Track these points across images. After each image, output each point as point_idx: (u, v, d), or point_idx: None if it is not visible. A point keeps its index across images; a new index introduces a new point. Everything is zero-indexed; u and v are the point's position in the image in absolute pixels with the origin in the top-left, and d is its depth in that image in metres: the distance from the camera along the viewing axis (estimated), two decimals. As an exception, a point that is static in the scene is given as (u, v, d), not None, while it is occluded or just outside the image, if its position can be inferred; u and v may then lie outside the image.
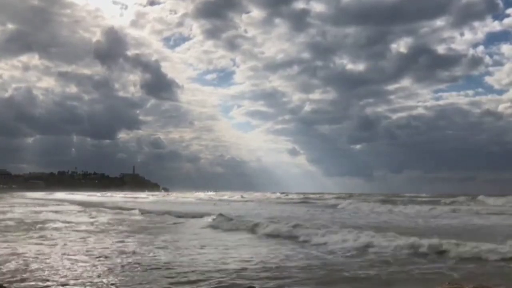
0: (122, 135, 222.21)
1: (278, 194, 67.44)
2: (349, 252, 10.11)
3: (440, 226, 16.90)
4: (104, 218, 20.48)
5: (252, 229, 14.36)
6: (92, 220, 19.21)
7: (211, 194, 74.43)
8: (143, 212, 25.48)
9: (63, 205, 35.74)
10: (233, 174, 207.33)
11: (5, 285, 6.55)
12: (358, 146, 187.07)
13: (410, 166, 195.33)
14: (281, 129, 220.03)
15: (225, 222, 16.07)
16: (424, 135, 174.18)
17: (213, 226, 16.08)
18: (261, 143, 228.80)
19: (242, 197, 56.03)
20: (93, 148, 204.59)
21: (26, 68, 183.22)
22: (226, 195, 64.58)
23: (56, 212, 25.21)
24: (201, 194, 73.94)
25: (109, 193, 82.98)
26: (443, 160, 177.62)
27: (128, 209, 28.25)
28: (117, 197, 62.18)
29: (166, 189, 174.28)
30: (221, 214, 17.93)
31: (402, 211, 27.09)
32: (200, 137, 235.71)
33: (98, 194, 77.81)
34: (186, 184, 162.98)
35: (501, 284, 6.75)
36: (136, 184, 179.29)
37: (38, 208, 28.94)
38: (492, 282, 6.69)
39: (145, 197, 60.46)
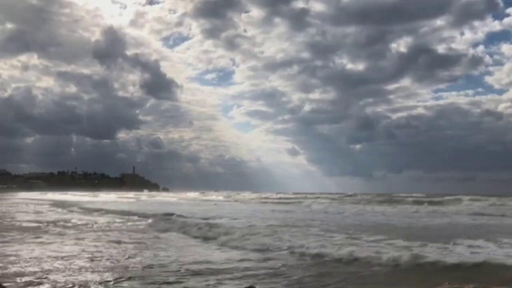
0: (122, 135, 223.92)
1: (269, 194, 67.66)
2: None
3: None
4: (53, 217, 20.91)
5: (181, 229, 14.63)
6: (40, 218, 19.61)
7: (196, 194, 74.82)
8: (107, 212, 25.81)
9: (38, 204, 36.11)
10: (232, 174, 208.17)
11: (4, 284, 6.60)
12: (358, 146, 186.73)
13: (410, 166, 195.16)
14: (280, 129, 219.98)
15: (161, 222, 16.35)
16: (424, 135, 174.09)
17: (151, 226, 16.45)
18: (261, 143, 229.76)
19: (226, 197, 56.46)
20: (93, 148, 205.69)
21: (25, 67, 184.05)
22: (214, 195, 65.05)
23: (18, 212, 25.56)
24: (191, 194, 74.54)
25: (102, 193, 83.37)
26: (443, 160, 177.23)
27: (93, 209, 28.50)
28: (105, 197, 62.58)
29: (166, 189, 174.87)
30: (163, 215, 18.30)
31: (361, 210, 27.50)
32: (200, 137, 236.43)
33: (90, 194, 78.23)
34: (186, 184, 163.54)
35: (501, 285, 6.80)
36: (136, 184, 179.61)
37: (6, 208, 29.42)
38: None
39: (133, 197, 60.71)
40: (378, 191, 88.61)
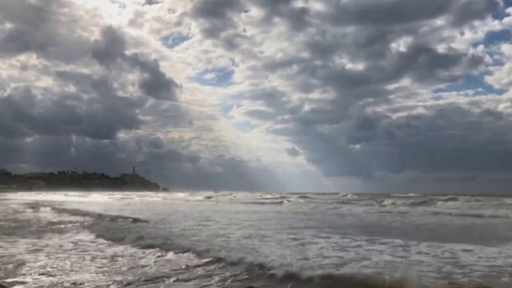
0: (122, 135, 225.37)
1: (259, 194, 67.83)
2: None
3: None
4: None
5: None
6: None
7: (184, 195, 74.98)
8: (72, 212, 25.92)
9: (20, 205, 36.44)
10: (232, 174, 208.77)
11: (4, 284, 6.60)
12: (357, 146, 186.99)
13: (410, 166, 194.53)
14: (280, 128, 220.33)
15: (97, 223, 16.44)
16: (424, 135, 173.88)
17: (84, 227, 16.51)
18: (261, 143, 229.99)
19: (207, 197, 56.72)
20: (93, 148, 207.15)
21: (24, 67, 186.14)
22: (201, 195, 65.30)
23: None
24: (181, 195, 74.94)
25: (95, 194, 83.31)
26: (443, 160, 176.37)
27: (62, 210, 28.59)
28: (96, 197, 62.66)
29: (166, 189, 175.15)
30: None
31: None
32: (200, 136, 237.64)
33: (83, 194, 78.29)
34: (186, 184, 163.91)
35: (503, 284, 6.74)
36: (136, 184, 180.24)
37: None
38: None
39: (121, 198, 60.67)
40: (377, 191, 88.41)
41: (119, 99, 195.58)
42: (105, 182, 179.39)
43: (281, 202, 42.11)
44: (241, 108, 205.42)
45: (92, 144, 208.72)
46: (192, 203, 42.67)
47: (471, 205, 33.13)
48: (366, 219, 20.65)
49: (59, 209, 28.25)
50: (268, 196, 56.45)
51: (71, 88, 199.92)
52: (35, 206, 33.60)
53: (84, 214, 23.02)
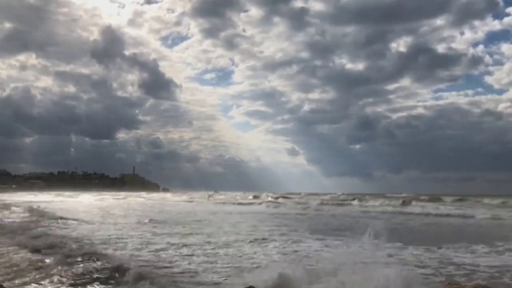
0: (121, 135, 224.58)
1: (248, 194, 68.48)
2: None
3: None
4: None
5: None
6: None
7: (170, 195, 75.84)
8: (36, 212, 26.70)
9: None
10: (232, 174, 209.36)
11: (4, 284, 6.81)
12: (357, 146, 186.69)
13: (410, 166, 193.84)
14: (280, 129, 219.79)
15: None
16: (424, 135, 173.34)
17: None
18: (261, 143, 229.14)
19: (190, 198, 57.48)
20: (92, 148, 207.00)
21: (23, 67, 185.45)
22: (186, 196, 66.13)
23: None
24: (167, 195, 75.86)
25: (85, 194, 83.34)
26: (443, 160, 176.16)
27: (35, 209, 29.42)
28: (84, 198, 63.27)
29: (166, 189, 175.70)
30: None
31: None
32: (200, 137, 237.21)
33: (69, 194, 78.53)
34: (186, 184, 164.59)
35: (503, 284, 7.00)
36: (136, 184, 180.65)
37: None
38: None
39: (113, 199, 61.13)
40: (377, 191, 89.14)
41: (119, 99, 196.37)
42: (105, 182, 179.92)
43: (253, 204, 42.62)
44: (241, 108, 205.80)
45: (92, 144, 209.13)
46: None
47: (451, 205, 33.78)
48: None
49: (30, 210, 28.98)
50: (250, 196, 57.16)
51: (71, 88, 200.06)
52: (12, 206, 34.44)
53: (45, 215, 23.87)
